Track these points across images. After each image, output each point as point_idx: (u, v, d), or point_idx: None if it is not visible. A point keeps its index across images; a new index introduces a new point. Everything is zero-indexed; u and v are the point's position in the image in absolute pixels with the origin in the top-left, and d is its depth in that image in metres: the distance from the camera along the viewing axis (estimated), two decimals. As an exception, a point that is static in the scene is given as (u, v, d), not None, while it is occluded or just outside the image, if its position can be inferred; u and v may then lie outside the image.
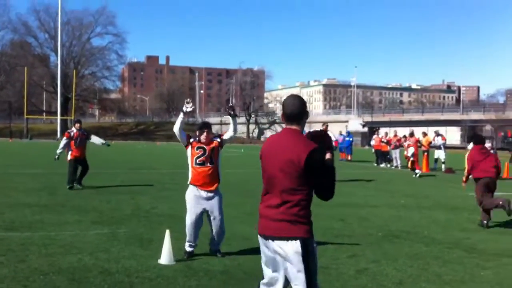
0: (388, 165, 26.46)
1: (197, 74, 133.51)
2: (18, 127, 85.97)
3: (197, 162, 6.40)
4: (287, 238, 3.50)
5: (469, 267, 6.34)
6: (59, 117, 73.24)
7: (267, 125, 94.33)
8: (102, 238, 7.21)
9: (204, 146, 6.42)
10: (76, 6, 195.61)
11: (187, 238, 6.54)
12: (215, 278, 5.53)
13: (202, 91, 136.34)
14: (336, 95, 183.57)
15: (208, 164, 6.38)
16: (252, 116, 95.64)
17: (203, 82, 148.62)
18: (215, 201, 6.45)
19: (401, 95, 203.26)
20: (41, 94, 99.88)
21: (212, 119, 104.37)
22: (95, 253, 6.37)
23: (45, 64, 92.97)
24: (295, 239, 3.48)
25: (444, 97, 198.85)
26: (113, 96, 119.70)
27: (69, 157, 13.07)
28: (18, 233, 7.37)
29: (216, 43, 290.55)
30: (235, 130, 6.93)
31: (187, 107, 6.51)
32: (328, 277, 5.68)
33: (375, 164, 27.16)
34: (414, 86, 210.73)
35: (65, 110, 79.17)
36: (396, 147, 25.31)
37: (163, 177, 17.14)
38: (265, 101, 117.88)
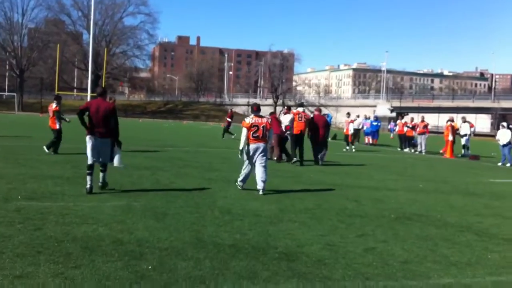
0: (412, 150, 26.27)
1: (226, 55, 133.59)
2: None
3: None
4: None
5: (478, 250, 6.35)
6: (89, 93, 74.01)
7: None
8: (119, 210, 7.41)
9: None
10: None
11: None
12: (223, 251, 5.66)
13: (231, 72, 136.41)
14: (366, 79, 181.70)
15: None
16: (280, 98, 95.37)
17: (232, 64, 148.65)
18: None
19: (432, 81, 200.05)
20: (73, 71, 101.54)
21: (239, 100, 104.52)
22: (110, 223, 6.57)
23: (78, 41, 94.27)
24: None
25: (476, 85, 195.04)
26: (143, 75, 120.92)
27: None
28: (38, 203, 7.63)
29: (246, 25, 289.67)
30: None
31: None
32: (335, 254, 5.77)
33: (399, 149, 27.03)
34: (446, 72, 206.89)
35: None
36: (421, 133, 25.11)
37: (186, 155, 17.38)
38: (294, 83, 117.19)
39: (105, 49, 79.67)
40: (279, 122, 16.76)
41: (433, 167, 18.60)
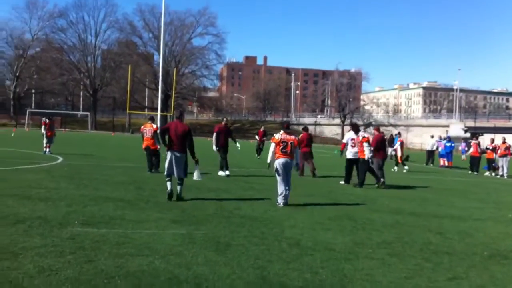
0: (493, 174, 24.54)
1: (293, 74, 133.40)
2: (121, 121, 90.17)
3: None
4: None
5: None
6: (159, 113, 75.62)
7: (362, 127, 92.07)
8: (178, 239, 6.82)
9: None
10: (179, 7, 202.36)
11: None
12: (293, 295, 4.91)
13: (297, 92, 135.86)
14: (437, 98, 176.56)
15: None
16: (347, 117, 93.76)
17: (299, 83, 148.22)
18: None
19: (507, 100, 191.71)
20: (144, 91, 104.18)
21: (306, 120, 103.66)
22: (167, 256, 5.97)
23: (149, 62, 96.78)
24: None
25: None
26: (211, 94, 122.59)
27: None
28: (95, 229, 7.16)
29: (313, 44, 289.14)
30: None
31: None
32: (424, 303, 4.89)
33: (469, 172, 25.14)
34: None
35: (165, 107, 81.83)
36: (503, 155, 23.42)
37: (251, 175, 16.75)
38: (361, 102, 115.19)
39: (175, 69, 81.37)
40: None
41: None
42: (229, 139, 17.04)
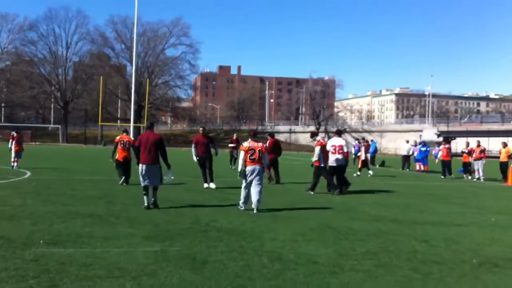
0: (469, 177, 24.54)
1: (267, 83, 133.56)
2: (93, 133, 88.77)
3: None
4: None
5: None
6: (132, 124, 74.74)
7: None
8: (151, 257, 6.35)
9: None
10: (152, 17, 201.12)
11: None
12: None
13: (272, 100, 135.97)
14: (410, 104, 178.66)
15: None
16: (322, 125, 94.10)
17: (273, 91, 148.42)
18: None
19: (478, 104, 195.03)
20: (116, 102, 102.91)
21: (281, 127, 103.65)
22: (139, 276, 5.50)
23: (121, 73, 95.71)
24: None
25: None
26: (185, 104, 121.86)
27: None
28: (61, 249, 6.65)
29: (287, 52, 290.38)
30: None
31: None
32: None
33: (442, 176, 24.89)
34: (492, 95, 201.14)
35: (138, 118, 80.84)
36: (478, 158, 23.43)
37: (227, 186, 16.30)
38: (335, 110, 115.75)
39: (148, 80, 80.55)
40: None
41: (498, 196, 16.98)
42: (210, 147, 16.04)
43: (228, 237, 7.82)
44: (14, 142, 22.33)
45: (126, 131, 16.99)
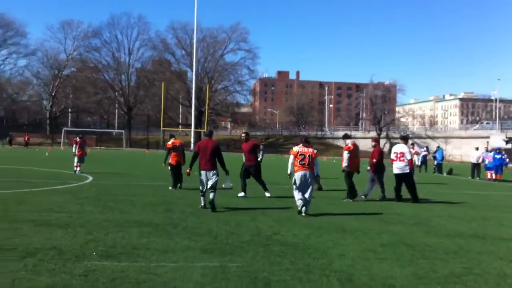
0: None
1: (326, 88, 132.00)
2: (155, 138, 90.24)
3: None
4: None
5: None
6: (193, 129, 75.57)
7: (399, 140, 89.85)
8: (209, 275, 5.80)
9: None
10: (211, 23, 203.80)
11: None
12: None
13: (331, 105, 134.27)
14: (475, 109, 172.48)
15: None
16: (383, 130, 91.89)
17: (332, 97, 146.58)
18: None
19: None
20: (177, 108, 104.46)
21: (341, 133, 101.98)
22: (196, 298, 4.96)
23: (182, 79, 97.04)
24: None
25: None
26: (244, 110, 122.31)
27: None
28: (115, 262, 6.21)
29: (346, 57, 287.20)
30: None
31: None
32: None
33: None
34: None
35: (199, 123, 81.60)
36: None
37: (289, 193, 15.64)
38: (397, 115, 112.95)
39: (208, 85, 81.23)
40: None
41: None
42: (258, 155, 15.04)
43: (292, 253, 7.18)
44: (77, 147, 22.56)
45: (174, 136, 17.38)
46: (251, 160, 14.80)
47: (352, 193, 14.55)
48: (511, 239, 9.14)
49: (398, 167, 14.46)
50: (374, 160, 15.09)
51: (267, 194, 14.62)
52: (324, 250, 7.46)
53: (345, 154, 14.51)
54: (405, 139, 15.33)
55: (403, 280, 5.97)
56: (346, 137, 15.55)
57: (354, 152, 14.59)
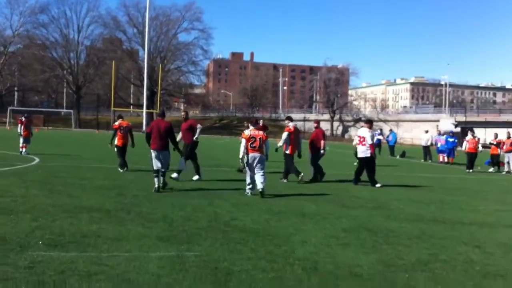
0: (494, 170, 23.39)
1: (281, 70, 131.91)
2: (106, 119, 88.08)
3: None
4: None
5: None
6: (145, 110, 74.06)
7: (351, 123, 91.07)
8: (166, 266, 5.38)
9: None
10: (165, 1, 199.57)
11: None
12: None
13: (285, 88, 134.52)
14: (425, 93, 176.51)
15: None
16: (336, 113, 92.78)
17: (286, 79, 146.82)
18: None
19: (494, 95, 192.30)
20: (129, 88, 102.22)
21: (294, 115, 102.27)
22: (152, 292, 4.56)
23: (133, 58, 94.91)
24: None
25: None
26: (197, 91, 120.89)
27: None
28: (63, 253, 5.71)
29: (300, 40, 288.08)
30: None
31: None
32: None
33: (467, 170, 23.08)
34: (508, 86, 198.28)
35: (151, 104, 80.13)
36: (509, 151, 22.25)
37: (244, 176, 15.32)
38: (350, 98, 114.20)
39: (160, 65, 79.60)
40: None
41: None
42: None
43: (253, 240, 6.85)
44: (22, 127, 21.53)
45: (122, 117, 16.92)
46: (187, 139, 14.32)
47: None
48: (472, 223, 9.09)
49: (361, 150, 14.45)
50: (323, 142, 15.28)
51: (195, 178, 13.88)
52: (286, 237, 7.17)
53: (284, 135, 14.57)
54: (369, 122, 15.22)
55: (369, 268, 5.74)
56: (289, 119, 15.42)
57: (295, 134, 14.61)
